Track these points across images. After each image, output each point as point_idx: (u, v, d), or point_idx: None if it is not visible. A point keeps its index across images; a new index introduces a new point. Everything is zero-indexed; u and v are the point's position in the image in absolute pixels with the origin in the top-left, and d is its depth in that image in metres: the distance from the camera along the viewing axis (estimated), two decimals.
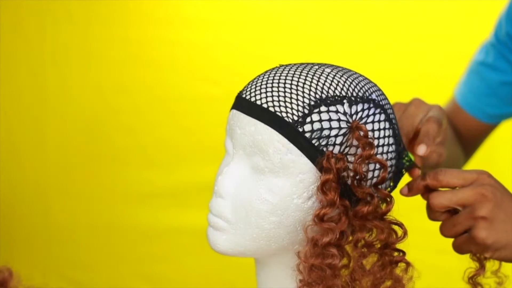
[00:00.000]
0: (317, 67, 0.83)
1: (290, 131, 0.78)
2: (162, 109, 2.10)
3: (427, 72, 1.97)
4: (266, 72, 0.84)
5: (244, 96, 0.82)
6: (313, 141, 0.78)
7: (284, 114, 0.79)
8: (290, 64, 0.85)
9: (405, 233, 0.82)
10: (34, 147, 2.15)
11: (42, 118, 2.14)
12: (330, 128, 0.78)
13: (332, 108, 0.79)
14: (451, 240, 0.94)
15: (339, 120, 0.79)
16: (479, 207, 0.83)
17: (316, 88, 0.80)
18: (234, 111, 0.83)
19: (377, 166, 0.81)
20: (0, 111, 2.13)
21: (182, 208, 2.10)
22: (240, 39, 2.04)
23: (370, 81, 0.85)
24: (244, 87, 0.84)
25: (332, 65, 0.85)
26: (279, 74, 0.82)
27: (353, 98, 0.80)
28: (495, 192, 0.84)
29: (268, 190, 0.80)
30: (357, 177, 0.79)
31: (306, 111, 0.78)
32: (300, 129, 0.78)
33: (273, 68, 0.84)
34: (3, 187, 2.15)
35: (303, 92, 0.79)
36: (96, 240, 2.15)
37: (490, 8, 1.91)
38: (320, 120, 0.78)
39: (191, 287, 2.08)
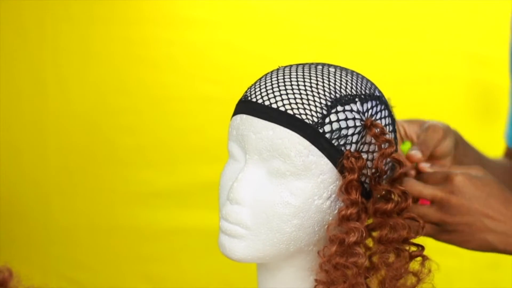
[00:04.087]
0: (321, 67, 0.83)
1: (311, 132, 0.78)
2: (162, 109, 2.10)
3: (427, 72, 1.97)
4: (270, 74, 0.84)
5: (254, 100, 0.81)
6: (333, 141, 0.79)
7: (304, 116, 0.79)
8: (292, 66, 0.85)
9: (422, 227, 0.83)
10: (34, 147, 2.15)
11: (42, 118, 2.14)
12: (347, 127, 0.79)
13: (347, 107, 0.80)
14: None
15: (354, 118, 0.80)
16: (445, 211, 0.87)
17: (329, 88, 0.80)
18: (244, 116, 0.82)
19: (387, 161, 0.82)
20: (0, 111, 2.12)
21: (182, 208, 2.09)
22: (240, 39, 2.04)
23: (368, 79, 0.86)
24: (250, 91, 0.83)
25: (331, 64, 0.86)
26: (288, 76, 0.82)
27: (363, 96, 0.81)
28: (462, 198, 0.86)
29: (290, 193, 0.80)
30: (377, 174, 0.80)
31: (325, 112, 0.79)
32: (321, 130, 0.79)
33: (276, 70, 0.84)
34: (3, 187, 2.14)
35: (318, 93, 0.80)
36: (96, 240, 2.15)
37: (490, 8, 1.92)
38: (338, 120, 0.79)
39: (191, 287, 2.08)
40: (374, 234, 0.82)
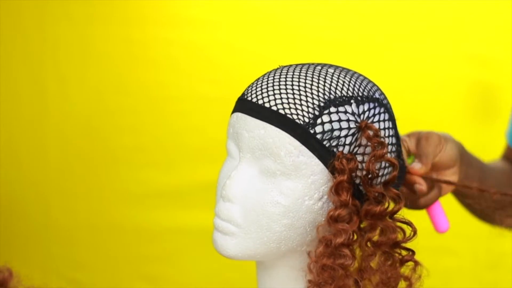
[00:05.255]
0: (319, 67, 0.83)
1: (302, 133, 0.78)
2: (162, 109, 2.10)
3: (427, 72, 1.97)
4: (268, 73, 0.84)
5: (249, 98, 0.82)
6: (324, 142, 0.78)
7: (295, 116, 0.79)
8: (291, 65, 0.85)
9: (414, 232, 0.82)
10: (34, 147, 2.15)
11: (42, 118, 2.14)
12: (340, 129, 0.79)
13: (341, 108, 0.79)
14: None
15: (348, 120, 0.79)
16: None
17: (324, 89, 0.80)
18: (240, 114, 0.82)
19: (384, 164, 0.81)
20: (0, 111, 2.12)
21: (182, 208, 2.09)
22: (240, 39, 2.04)
23: (370, 80, 0.85)
24: (248, 89, 0.83)
25: (332, 65, 0.85)
26: (284, 76, 0.82)
27: (359, 98, 0.81)
28: None
29: (280, 193, 0.80)
30: (369, 177, 0.79)
31: (317, 113, 0.79)
32: (312, 131, 0.78)
33: (275, 70, 0.84)
34: (3, 187, 2.15)
35: (312, 93, 0.80)
36: (96, 240, 2.15)
37: (491, 9, 1.92)
38: (331, 121, 0.79)
39: (191, 287, 2.08)
40: (367, 236, 0.82)
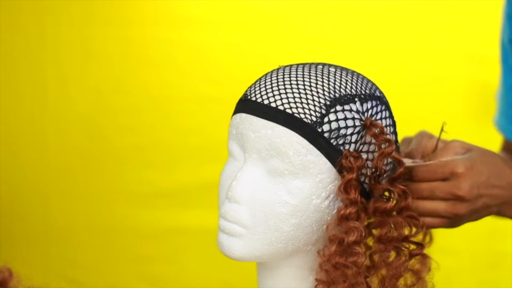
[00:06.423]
0: (321, 66, 0.84)
1: (310, 132, 0.78)
2: (162, 109, 2.10)
3: (426, 72, 1.98)
4: (270, 74, 0.84)
5: (254, 99, 0.81)
6: (332, 141, 0.79)
7: (302, 116, 0.79)
8: (292, 65, 0.85)
9: (422, 225, 0.83)
10: (34, 147, 2.15)
11: (42, 118, 2.14)
12: (346, 127, 0.79)
13: (346, 107, 0.80)
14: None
15: (353, 118, 0.80)
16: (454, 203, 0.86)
17: (329, 88, 0.81)
18: (244, 114, 0.82)
19: (387, 161, 0.82)
20: (0, 111, 2.13)
21: (182, 208, 2.10)
22: (240, 39, 2.04)
23: (369, 79, 0.86)
24: (250, 90, 0.83)
25: (332, 64, 0.86)
26: (288, 76, 0.82)
27: (362, 96, 0.82)
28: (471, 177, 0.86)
29: (288, 192, 0.80)
30: (376, 174, 0.80)
31: (324, 111, 0.79)
32: (319, 130, 0.79)
33: (276, 70, 0.85)
34: (3, 187, 2.15)
35: (317, 92, 0.80)
36: (96, 240, 2.15)
37: (490, 8, 1.92)
38: (337, 120, 0.79)
39: (191, 287, 2.08)
40: (375, 233, 0.83)
